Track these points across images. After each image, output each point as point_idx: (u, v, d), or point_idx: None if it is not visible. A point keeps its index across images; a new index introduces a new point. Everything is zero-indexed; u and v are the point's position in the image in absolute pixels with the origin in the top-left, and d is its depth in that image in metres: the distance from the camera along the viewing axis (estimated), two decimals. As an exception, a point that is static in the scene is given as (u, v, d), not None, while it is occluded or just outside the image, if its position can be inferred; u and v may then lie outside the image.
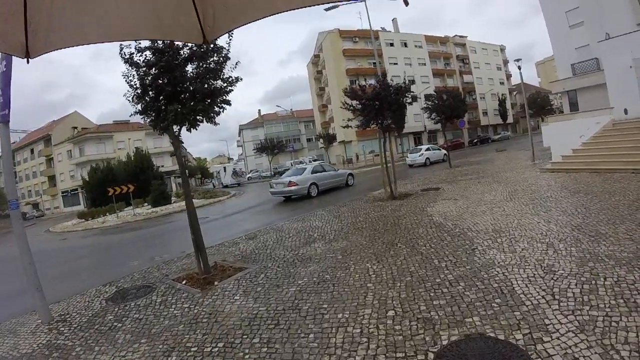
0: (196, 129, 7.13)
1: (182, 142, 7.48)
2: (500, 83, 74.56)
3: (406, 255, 6.33)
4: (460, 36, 70.76)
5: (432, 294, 4.54)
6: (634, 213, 6.82)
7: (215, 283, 6.43)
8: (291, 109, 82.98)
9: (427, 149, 30.39)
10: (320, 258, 7.01)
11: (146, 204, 32.58)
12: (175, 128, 6.94)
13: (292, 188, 18.81)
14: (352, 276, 5.64)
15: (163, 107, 6.52)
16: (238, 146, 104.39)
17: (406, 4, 1.70)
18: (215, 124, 7.26)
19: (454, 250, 6.16)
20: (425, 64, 62.31)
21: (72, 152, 61.76)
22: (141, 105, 6.81)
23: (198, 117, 6.89)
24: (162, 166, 64.71)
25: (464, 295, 4.35)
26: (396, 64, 57.97)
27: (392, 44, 60.19)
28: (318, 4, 2.05)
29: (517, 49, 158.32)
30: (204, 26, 2.13)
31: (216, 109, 7.11)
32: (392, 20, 65.94)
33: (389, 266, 5.85)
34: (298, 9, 2.01)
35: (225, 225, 15.10)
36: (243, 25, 2.15)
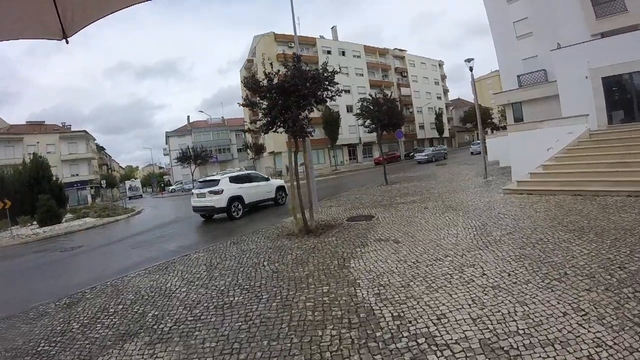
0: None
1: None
2: (437, 97, 74.47)
3: None
4: (400, 49, 69.77)
5: None
6: None
7: None
8: (222, 117, 77.46)
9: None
10: None
11: (36, 222, 26.00)
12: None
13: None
14: None
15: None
16: (165, 155, 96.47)
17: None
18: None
19: None
20: (362, 75, 59.96)
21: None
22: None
23: None
24: (77, 175, 56.95)
25: None
26: (333, 72, 54.84)
27: (329, 52, 57.18)
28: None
29: (452, 67, 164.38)
30: (64, 23, 2.14)
31: None
32: (332, 28, 62.98)
33: None
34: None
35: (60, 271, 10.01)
36: (100, 18, 2.23)
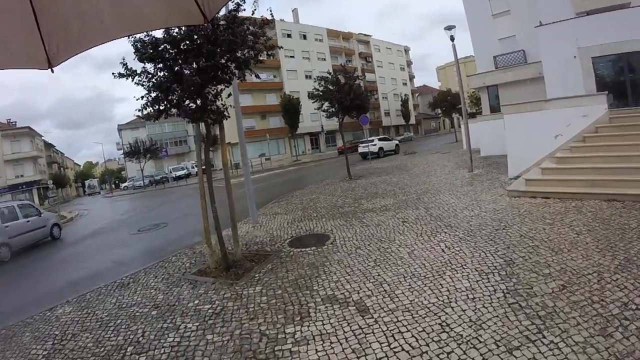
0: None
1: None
2: (403, 84, 71.95)
3: None
4: (365, 34, 66.60)
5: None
6: None
7: None
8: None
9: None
10: None
11: None
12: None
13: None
14: None
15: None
16: (118, 149, 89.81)
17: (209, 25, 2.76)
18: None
19: None
20: (325, 59, 56.38)
21: None
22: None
23: None
24: (22, 175, 50.53)
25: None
26: (293, 57, 51.29)
27: (289, 35, 53.25)
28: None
29: (415, 57, 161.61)
30: (49, 53, 2.09)
31: None
32: (293, 10, 58.93)
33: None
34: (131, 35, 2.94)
35: None
36: (84, 51, 2.21)
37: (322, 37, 57.53)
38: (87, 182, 74.41)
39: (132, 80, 5.91)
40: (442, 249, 5.18)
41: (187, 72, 5.84)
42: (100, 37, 2.16)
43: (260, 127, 46.24)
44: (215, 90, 6.57)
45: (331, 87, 15.37)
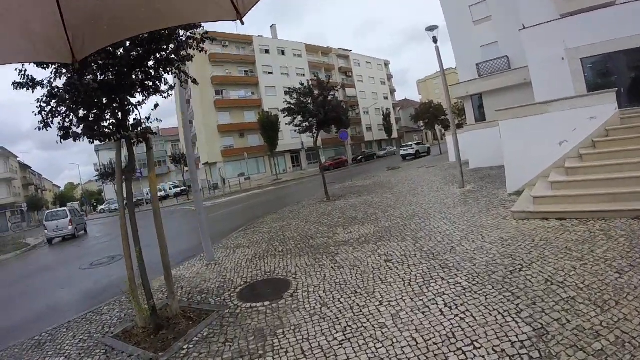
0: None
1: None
2: (384, 97, 71.32)
3: None
4: (344, 49, 66.04)
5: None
6: None
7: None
8: (157, 126, 70.11)
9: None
10: None
11: None
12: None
13: None
14: None
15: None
16: (96, 170, 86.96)
17: (242, 23, 1.91)
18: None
19: None
20: (304, 75, 55.23)
21: None
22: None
23: None
24: None
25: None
26: (271, 73, 50.27)
27: (267, 51, 52.28)
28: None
29: (394, 72, 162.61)
30: (74, 47, 2.03)
31: None
32: (271, 26, 57.99)
33: None
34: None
35: None
36: (111, 44, 2.41)
37: (300, 52, 56.71)
38: (68, 205, 71.30)
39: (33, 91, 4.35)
40: (441, 310, 3.65)
41: (89, 77, 4.30)
42: (130, 30, 2.21)
43: (238, 146, 44.63)
44: (138, 101, 5.07)
45: (304, 100, 13.99)
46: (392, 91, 77.37)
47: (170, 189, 44.88)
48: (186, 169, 54.25)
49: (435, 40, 11.29)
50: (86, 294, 7.43)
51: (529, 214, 6.14)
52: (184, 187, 44.42)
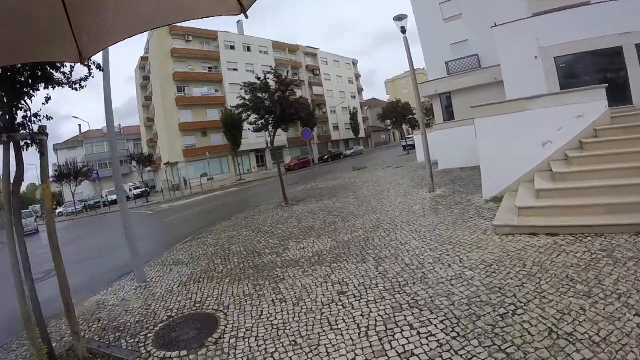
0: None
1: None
2: (352, 97, 70.57)
3: None
4: (313, 47, 64.88)
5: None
6: None
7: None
8: (119, 125, 66.58)
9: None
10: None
11: None
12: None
13: None
14: None
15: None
16: (54, 171, 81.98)
17: (246, 17, 1.94)
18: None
19: None
20: (271, 73, 53.92)
21: None
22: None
23: None
24: None
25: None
26: (236, 69, 48.37)
27: (232, 47, 50.34)
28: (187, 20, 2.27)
29: (362, 73, 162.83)
30: (80, 46, 2.07)
31: None
32: (237, 22, 55.99)
33: None
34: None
35: None
36: (118, 42, 2.19)
37: (267, 49, 55.15)
38: (30, 208, 66.51)
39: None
40: (410, 390, 2.50)
41: None
42: (136, 27, 2.15)
43: (201, 145, 42.64)
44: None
45: (260, 95, 12.71)
46: (360, 90, 76.83)
47: (130, 190, 42.26)
48: (147, 169, 51.78)
49: (403, 30, 10.24)
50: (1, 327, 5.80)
51: (513, 229, 5.11)
52: (145, 189, 42.01)
